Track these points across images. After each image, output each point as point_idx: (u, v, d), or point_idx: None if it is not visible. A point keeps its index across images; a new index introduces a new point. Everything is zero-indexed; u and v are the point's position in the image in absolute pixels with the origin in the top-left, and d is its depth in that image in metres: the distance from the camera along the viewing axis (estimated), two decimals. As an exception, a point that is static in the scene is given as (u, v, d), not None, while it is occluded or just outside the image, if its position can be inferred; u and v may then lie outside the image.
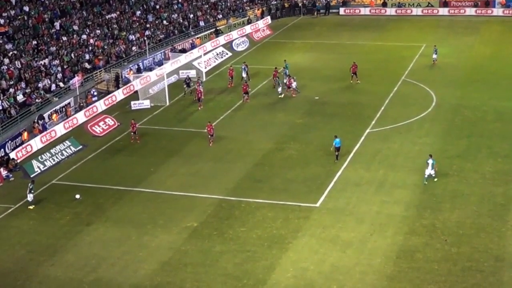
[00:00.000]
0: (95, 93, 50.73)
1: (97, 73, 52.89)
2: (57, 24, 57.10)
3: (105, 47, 56.79)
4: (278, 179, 35.49)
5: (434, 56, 55.59)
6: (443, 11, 77.59)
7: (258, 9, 77.58)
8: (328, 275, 26.62)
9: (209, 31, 68.14)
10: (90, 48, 55.81)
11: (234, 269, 27.41)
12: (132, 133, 42.09)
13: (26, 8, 57.13)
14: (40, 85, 48.07)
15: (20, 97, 45.82)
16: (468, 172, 35.12)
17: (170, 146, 41.14)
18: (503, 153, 37.23)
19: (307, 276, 26.65)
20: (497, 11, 75.66)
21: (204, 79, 55.10)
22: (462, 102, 45.78)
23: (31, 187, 34.12)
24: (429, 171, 33.77)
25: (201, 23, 69.63)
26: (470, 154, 37.21)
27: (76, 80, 49.86)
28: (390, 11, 79.27)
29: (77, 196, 34.59)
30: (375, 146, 39.14)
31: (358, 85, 51.10)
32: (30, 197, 33.98)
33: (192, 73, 54.92)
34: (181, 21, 68.44)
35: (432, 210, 31.21)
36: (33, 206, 33.89)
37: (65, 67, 51.46)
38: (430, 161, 33.74)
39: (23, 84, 47.23)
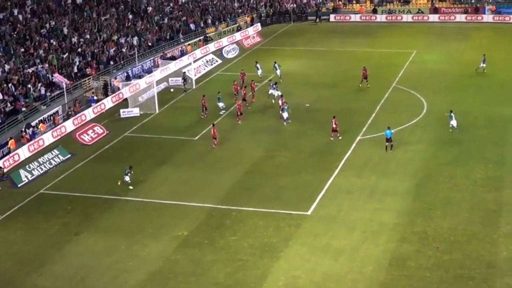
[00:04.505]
0: (94, 98, 50.68)
1: (85, 80, 52.82)
2: (46, 28, 57.03)
3: (95, 51, 56.74)
4: (269, 187, 35.52)
5: (483, 65, 54.26)
6: (434, 17, 78.03)
7: (248, 16, 77.80)
8: (320, 284, 26.64)
9: (198, 39, 68.23)
10: (80, 50, 55.70)
11: (226, 278, 27.38)
12: (213, 139, 41.17)
13: (15, 12, 57.16)
14: (29, 86, 47.85)
15: (8, 106, 45.74)
16: (460, 178, 35.29)
17: (159, 154, 41.10)
18: (494, 159, 37.44)
19: (298, 285, 26.66)
20: (487, 17, 76.18)
21: (194, 87, 55.25)
22: (453, 109, 45.94)
23: (129, 171, 36.16)
24: (453, 122, 40.14)
25: (192, 26, 69.61)
26: (461, 161, 37.39)
27: (62, 78, 49.68)
28: (381, 17, 79.59)
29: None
30: (367, 153, 39.26)
31: (350, 92, 51.30)
32: (127, 178, 35.93)
33: (178, 80, 55.15)
34: (172, 25, 68.46)
35: (423, 217, 31.33)
36: (132, 187, 35.95)
37: (53, 71, 51.29)
38: (452, 114, 40.28)
39: (12, 88, 47.14)
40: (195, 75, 57.25)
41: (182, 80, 54.01)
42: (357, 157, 38.78)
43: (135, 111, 49.03)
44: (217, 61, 62.92)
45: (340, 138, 41.21)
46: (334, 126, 41.18)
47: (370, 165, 37.59)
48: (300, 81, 54.60)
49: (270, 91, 49.08)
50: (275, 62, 55.75)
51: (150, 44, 62.86)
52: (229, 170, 38.06)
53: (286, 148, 40.82)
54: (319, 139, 41.88)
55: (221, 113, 47.29)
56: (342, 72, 57.09)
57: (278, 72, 54.83)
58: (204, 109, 46.79)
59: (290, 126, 44.20)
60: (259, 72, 55.12)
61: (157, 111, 49.39)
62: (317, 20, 79.97)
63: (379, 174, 36.29)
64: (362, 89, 51.60)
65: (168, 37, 65.94)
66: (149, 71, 58.14)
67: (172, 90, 53.82)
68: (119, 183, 36.02)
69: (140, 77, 56.35)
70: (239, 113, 45.48)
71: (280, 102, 45.94)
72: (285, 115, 44.33)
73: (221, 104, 47.56)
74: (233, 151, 40.92)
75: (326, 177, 36.13)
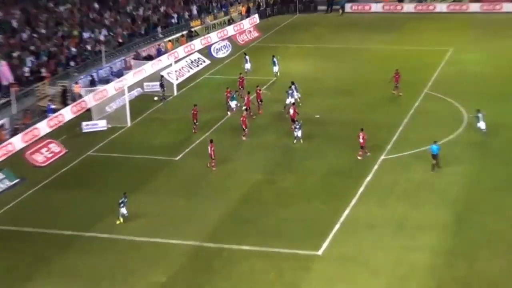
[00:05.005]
0: (52, 106, 50.58)
1: (39, 86, 52.63)
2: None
3: (52, 49, 56.65)
4: (270, 220, 35.30)
5: None
6: (474, 7, 78.61)
7: (243, 6, 77.85)
8: None
9: (180, 34, 68.27)
10: (33, 48, 55.62)
11: (214, 337, 27.03)
12: (211, 159, 41.16)
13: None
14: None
15: None
16: (510, 209, 35.05)
17: (132, 178, 40.95)
18: (553, 184, 37.35)
19: None
20: (542, 6, 76.77)
21: (175, 93, 55.25)
22: (501, 121, 45.93)
23: (124, 201, 35.71)
24: (481, 123, 42.53)
25: (174, 18, 69.77)
26: (511, 186, 37.11)
27: (7, 70, 49.54)
28: (408, 7, 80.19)
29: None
30: (392, 176, 39.17)
31: (370, 101, 51.43)
32: (123, 210, 35.65)
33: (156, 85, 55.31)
34: (148, 17, 68.60)
35: (466, 258, 31.06)
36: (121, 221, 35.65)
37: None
38: (480, 115, 42.63)
39: None
40: (177, 79, 57.40)
41: (160, 86, 53.98)
42: (381, 182, 38.68)
43: (101, 124, 49.09)
44: (204, 61, 63.28)
45: (368, 154, 41.41)
46: (361, 141, 41.08)
47: (397, 192, 37.46)
48: (308, 87, 54.55)
49: (293, 97, 49.34)
50: (273, 56, 56.70)
51: (120, 40, 62.94)
52: (219, 198, 37.93)
53: (291, 170, 40.76)
54: (333, 158, 41.82)
55: (231, 109, 49.72)
56: (361, 76, 57.26)
57: (275, 68, 55.37)
58: (195, 121, 46.73)
59: (295, 143, 43.99)
60: (248, 65, 56.64)
61: (128, 124, 49.44)
62: (330, 10, 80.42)
63: (408, 203, 36.12)
64: (389, 97, 51.62)
65: (143, 32, 66.14)
66: (119, 74, 58.21)
67: (156, 98, 54.15)
68: (117, 223, 35.67)
69: (107, 81, 56.44)
70: (244, 127, 45.24)
71: (291, 111, 45.77)
72: (298, 133, 44.10)
73: (234, 103, 49.41)
74: (224, 173, 40.84)
75: (342, 207, 35.94)
